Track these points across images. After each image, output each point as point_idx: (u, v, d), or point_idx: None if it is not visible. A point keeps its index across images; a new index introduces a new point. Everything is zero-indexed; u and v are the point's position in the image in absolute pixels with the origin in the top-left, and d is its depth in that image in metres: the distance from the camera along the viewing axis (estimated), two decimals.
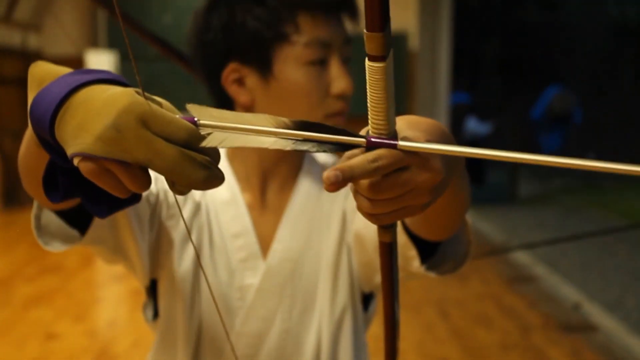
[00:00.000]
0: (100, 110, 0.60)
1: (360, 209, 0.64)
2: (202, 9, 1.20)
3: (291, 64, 1.15)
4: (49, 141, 0.64)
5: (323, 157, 1.35)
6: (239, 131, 0.61)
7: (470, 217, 1.07)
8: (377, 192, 0.61)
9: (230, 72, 1.18)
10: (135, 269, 1.17)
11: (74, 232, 1.01)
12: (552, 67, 14.23)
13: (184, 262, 1.19)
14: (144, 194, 1.07)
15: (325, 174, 0.58)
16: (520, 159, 0.58)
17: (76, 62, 7.47)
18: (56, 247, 1.01)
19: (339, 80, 1.16)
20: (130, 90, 0.61)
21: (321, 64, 1.16)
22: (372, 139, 0.60)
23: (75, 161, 0.60)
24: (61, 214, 1.00)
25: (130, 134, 0.59)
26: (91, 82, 0.63)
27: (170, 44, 1.54)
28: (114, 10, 1.05)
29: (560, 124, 10.81)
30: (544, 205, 8.94)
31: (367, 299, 1.26)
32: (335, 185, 0.58)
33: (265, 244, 1.23)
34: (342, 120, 1.18)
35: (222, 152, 1.27)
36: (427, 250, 1.04)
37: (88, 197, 0.67)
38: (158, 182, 1.18)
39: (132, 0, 8.07)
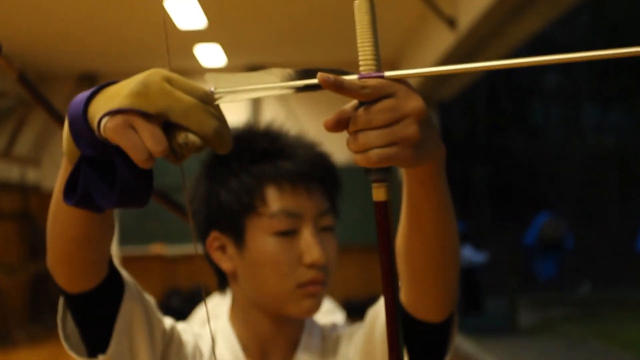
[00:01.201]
0: (131, 80, 0.71)
1: (354, 148, 0.70)
2: (192, 181, 1.27)
3: (260, 234, 1.18)
4: (79, 130, 0.73)
5: (323, 320, 1.37)
6: (249, 92, 0.73)
7: (471, 348, 1.07)
8: (368, 115, 0.69)
9: (213, 240, 1.23)
10: None
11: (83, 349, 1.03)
12: (540, 193, 14.46)
13: None
14: (160, 327, 1.12)
15: (321, 73, 0.67)
16: (513, 64, 0.67)
17: None
18: (78, 357, 1.04)
19: (310, 250, 1.17)
20: None
21: (291, 234, 1.18)
22: (362, 75, 0.70)
23: (103, 122, 0.69)
24: (81, 323, 1.02)
25: (155, 87, 0.69)
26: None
27: (165, 194, 1.63)
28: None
29: (553, 250, 10.85)
30: (546, 335, 8.82)
31: None
32: (325, 83, 0.67)
33: None
34: (319, 289, 1.19)
35: (225, 319, 1.29)
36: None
37: (101, 190, 0.74)
38: (174, 331, 1.18)
39: None
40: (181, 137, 0.69)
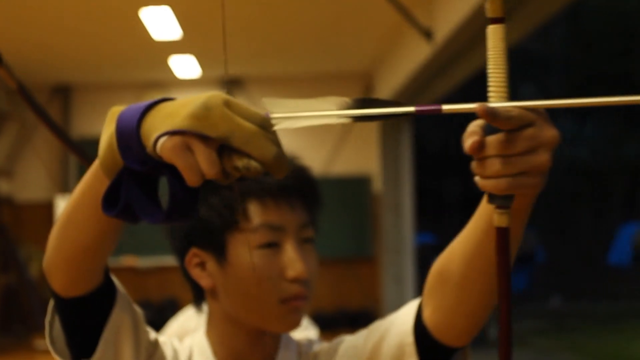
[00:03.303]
0: (189, 101, 0.73)
1: (486, 174, 0.72)
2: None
3: (242, 249, 1.17)
4: (130, 144, 0.74)
5: (299, 335, 1.36)
6: (306, 119, 0.74)
7: None
8: (510, 143, 0.71)
9: (192, 257, 1.21)
10: None
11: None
12: None
13: None
14: (146, 339, 1.12)
15: (480, 104, 0.69)
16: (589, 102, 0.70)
17: (46, 208, 7.44)
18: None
19: (293, 264, 1.16)
20: None
21: (273, 247, 1.17)
22: (419, 107, 0.72)
23: (160, 141, 0.71)
24: (68, 328, 1.03)
25: (217, 111, 0.71)
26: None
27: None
28: (84, 158, 1.19)
29: (524, 262, 10.91)
30: (515, 348, 8.80)
31: None
32: (483, 114, 0.69)
33: None
34: (302, 303, 1.18)
35: (202, 334, 1.27)
36: None
37: (144, 204, 0.76)
38: (158, 344, 1.17)
39: None
40: (242, 163, 0.72)
